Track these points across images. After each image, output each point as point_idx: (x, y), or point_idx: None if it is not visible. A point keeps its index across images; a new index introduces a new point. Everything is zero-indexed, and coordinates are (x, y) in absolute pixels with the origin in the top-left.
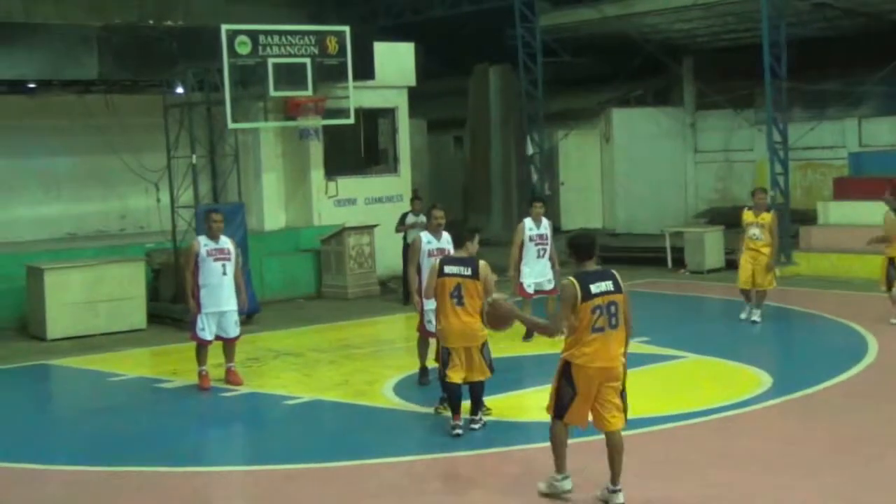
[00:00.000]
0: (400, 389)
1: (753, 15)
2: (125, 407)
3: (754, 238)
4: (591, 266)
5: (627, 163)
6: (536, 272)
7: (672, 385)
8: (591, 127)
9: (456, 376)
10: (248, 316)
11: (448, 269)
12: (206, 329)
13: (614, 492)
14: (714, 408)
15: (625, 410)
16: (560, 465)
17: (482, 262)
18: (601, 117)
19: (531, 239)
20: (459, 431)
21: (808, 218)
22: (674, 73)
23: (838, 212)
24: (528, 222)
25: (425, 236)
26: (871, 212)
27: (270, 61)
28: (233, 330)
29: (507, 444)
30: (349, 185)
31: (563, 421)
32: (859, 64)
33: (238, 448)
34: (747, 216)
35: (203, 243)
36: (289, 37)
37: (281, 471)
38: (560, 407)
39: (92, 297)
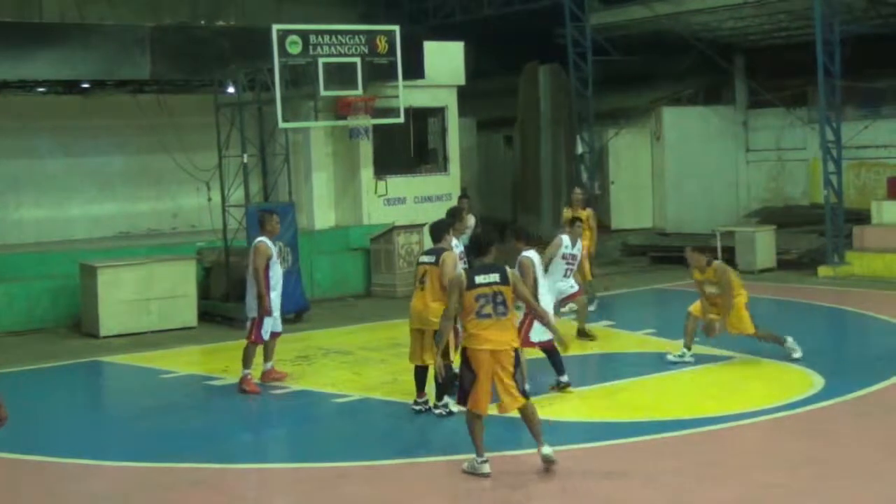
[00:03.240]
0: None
1: (806, 12)
2: (177, 404)
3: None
4: (487, 260)
5: (678, 162)
6: (557, 289)
7: (722, 386)
8: (641, 126)
9: (414, 360)
10: (298, 314)
11: (421, 258)
12: (268, 331)
13: (540, 445)
14: (764, 409)
15: (521, 390)
16: (478, 450)
17: (447, 253)
18: (652, 116)
19: (563, 257)
20: (417, 408)
21: (862, 218)
22: (725, 71)
23: (892, 211)
24: (565, 239)
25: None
26: None
27: (321, 61)
28: (280, 325)
29: (554, 444)
30: (399, 184)
31: (468, 407)
32: None
33: (288, 445)
34: (696, 274)
35: (269, 245)
36: (339, 36)
37: (331, 468)
38: (463, 392)
39: (144, 295)
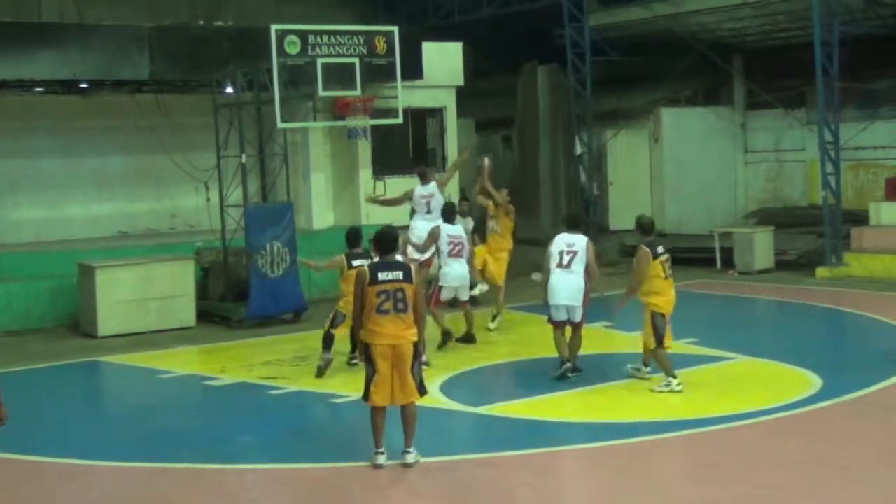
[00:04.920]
0: (447, 388)
1: (805, 13)
2: (175, 404)
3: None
4: (390, 258)
5: (677, 162)
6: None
7: (721, 386)
8: (640, 126)
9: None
10: (296, 314)
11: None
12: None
13: (406, 452)
14: (763, 409)
15: (419, 385)
16: (376, 442)
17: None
18: (650, 117)
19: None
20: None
21: (860, 219)
22: (724, 72)
23: (890, 212)
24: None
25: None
26: None
27: (319, 61)
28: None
29: (554, 444)
30: (397, 184)
31: (368, 403)
32: None
33: (287, 446)
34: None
35: None
36: (338, 37)
37: (330, 468)
38: (366, 390)
39: (142, 295)
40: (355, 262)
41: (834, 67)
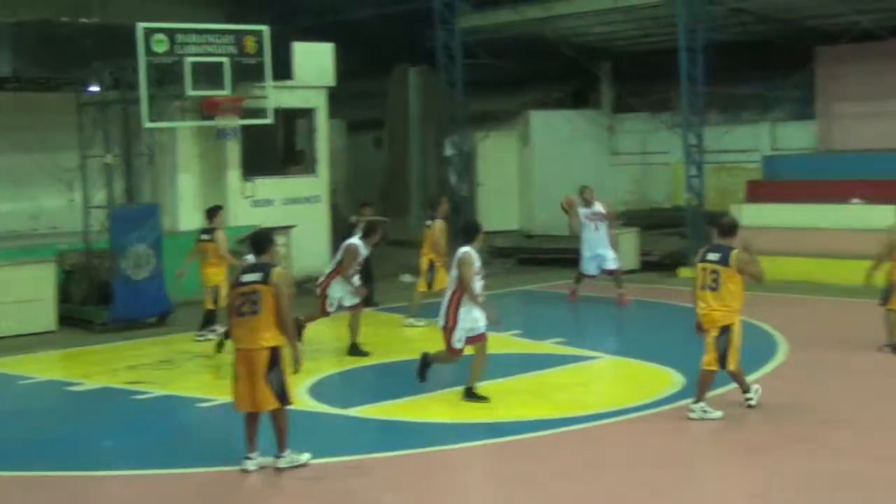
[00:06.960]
0: (315, 392)
1: (671, 19)
2: (35, 410)
3: None
4: (261, 259)
5: (545, 164)
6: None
7: (588, 385)
8: (509, 129)
9: None
10: (161, 317)
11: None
12: None
13: (277, 457)
14: (628, 408)
15: (280, 394)
16: (247, 447)
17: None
18: (520, 119)
19: None
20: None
21: None
22: (593, 75)
23: (751, 214)
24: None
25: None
26: (783, 215)
27: (188, 60)
28: None
29: (425, 445)
30: (266, 185)
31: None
32: (774, 69)
33: (152, 451)
34: None
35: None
36: (206, 35)
37: (197, 473)
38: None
39: (1, 299)
40: (203, 236)
41: (698, 73)
